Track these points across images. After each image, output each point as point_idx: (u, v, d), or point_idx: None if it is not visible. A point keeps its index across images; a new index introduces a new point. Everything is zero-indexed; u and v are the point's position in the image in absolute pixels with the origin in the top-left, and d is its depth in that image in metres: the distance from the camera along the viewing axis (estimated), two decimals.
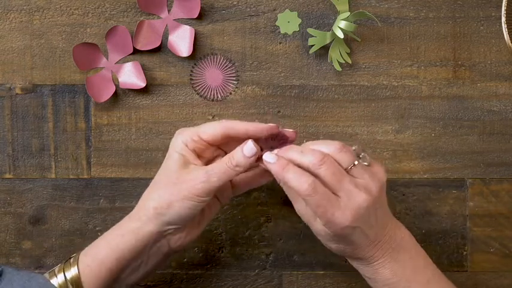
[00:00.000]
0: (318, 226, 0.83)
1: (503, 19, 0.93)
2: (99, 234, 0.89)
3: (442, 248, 0.96)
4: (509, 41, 0.94)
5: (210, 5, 0.96)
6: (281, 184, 0.85)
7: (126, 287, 0.87)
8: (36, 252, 0.96)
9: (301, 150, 0.82)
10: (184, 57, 0.95)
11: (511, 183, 0.96)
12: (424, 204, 0.96)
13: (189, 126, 0.86)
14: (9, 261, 0.96)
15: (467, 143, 0.96)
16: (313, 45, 0.94)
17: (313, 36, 0.94)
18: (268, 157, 0.82)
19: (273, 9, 0.96)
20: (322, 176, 0.80)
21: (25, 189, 0.96)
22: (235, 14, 0.96)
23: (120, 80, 0.95)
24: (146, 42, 0.95)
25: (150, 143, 0.96)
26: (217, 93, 0.96)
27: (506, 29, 0.93)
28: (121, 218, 0.87)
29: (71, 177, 0.96)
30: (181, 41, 0.95)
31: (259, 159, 0.83)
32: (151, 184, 0.86)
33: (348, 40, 0.95)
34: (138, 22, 0.95)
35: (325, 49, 0.95)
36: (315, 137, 0.96)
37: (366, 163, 0.82)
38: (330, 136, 0.95)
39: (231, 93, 0.96)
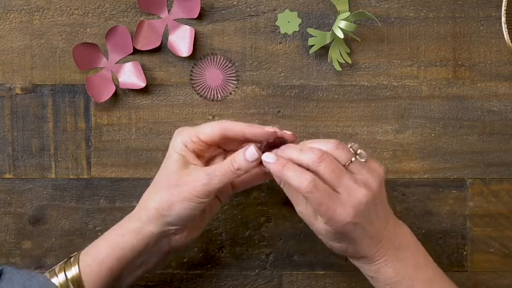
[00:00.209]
0: (319, 226, 0.83)
1: (503, 19, 0.93)
2: (99, 234, 0.89)
3: (442, 248, 0.96)
4: (509, 41, 0.94)
5: (210, 5, 0.96)
6: (281, 185, 0.85)
7: (126, 286, 0.87)
8: (36, 252, 0.96)
9: (300, 148, 0.82)
10: (184, 57, 0.95)
11: (511, 183, 0.96)
12: (424, 204, 0.96)
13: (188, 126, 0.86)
14: (9, 261, 0.96)
15: (467, 143, 0.96)
16: (313, 45, 0.94)
17: (313, 36, 0.94)
18: (268, 157, 0.82)
19: (273, 9, 0.96)
20: (322, 173, 0.80)
21: (25, 189, 0.96)
22: (235, 14, 0.96)
23: (120, 80, 0.95)
24: (146, 42, 0.95)
25: (150, 143, 0.96)
26: (217, 93, 0.96)
27: (506, 29, 0.94)
28: (121, 218, 0.87)
29: (71, 177, 0.96)
30: (181, 41, 0.95)
31: (260, 162, 0.83)
32: (152, 184, 0.86)
33: (348, 40, 0.95)
34: (138, 22, 0.95)
35: (325, 49, 0.95)
36: (315, 137, 0.95)
37: (363, 159, 0.82)
38: (330, 136, 0.95)
39: (231, 93, 0.96)
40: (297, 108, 0.96)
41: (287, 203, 0.95)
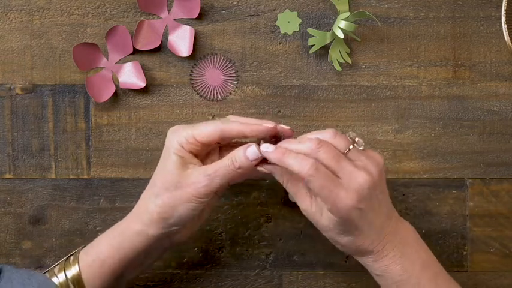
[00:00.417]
0: (324, 222, 0.82)
1: (503, 19, 0.93)
2: (99, 234, 0.89)
3: (442, 248, 0.96)
4: (509, 41, 0.94)
5: (210, 5, 0.96)
6: (283, 183, 0.84)
7: (127, 283, 0.87)
8: (36, 252, 0.96)
9: (298, 141, 0.82)
10: (184, 57, 0.95)
11: (511, 183, 0.96)
12: (424, 204, 0.96)
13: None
14: (9, 261, 0.96)
15: (467, 143, 0.96)
16: (313, 45, 0.94)
17: (313, 36, 0.94)
18: (266, 147, 0.82)
19: (273, 9, 0.96)
20: (322, 159, 0.80)
21: (25, 189, 0.96)
22: (235, 14, 0.96)
23: (120, 80, 0.95)
24: (146, 42, 0.95)
25: (150, 143, 0.96)
26: (217, 93, 0.96)
27: (506, 29, 0.94)
28: (121, 218, 0.87)
29: (71, 177, 0.96)
30: (181, 41, 0.95)
31: (260, 162, 0.83)
32: (151, 185, 0.86)
33: (348, 40, 0.95)
34: (138, 22, 0.95)
35: (325, 49, 0.95)
36: None
37: (361, 147, 0.83)
38: None
39: (231, 93, 0.96)
40: (297, 108, 0.96)
41: (287, 203, 0.95)
